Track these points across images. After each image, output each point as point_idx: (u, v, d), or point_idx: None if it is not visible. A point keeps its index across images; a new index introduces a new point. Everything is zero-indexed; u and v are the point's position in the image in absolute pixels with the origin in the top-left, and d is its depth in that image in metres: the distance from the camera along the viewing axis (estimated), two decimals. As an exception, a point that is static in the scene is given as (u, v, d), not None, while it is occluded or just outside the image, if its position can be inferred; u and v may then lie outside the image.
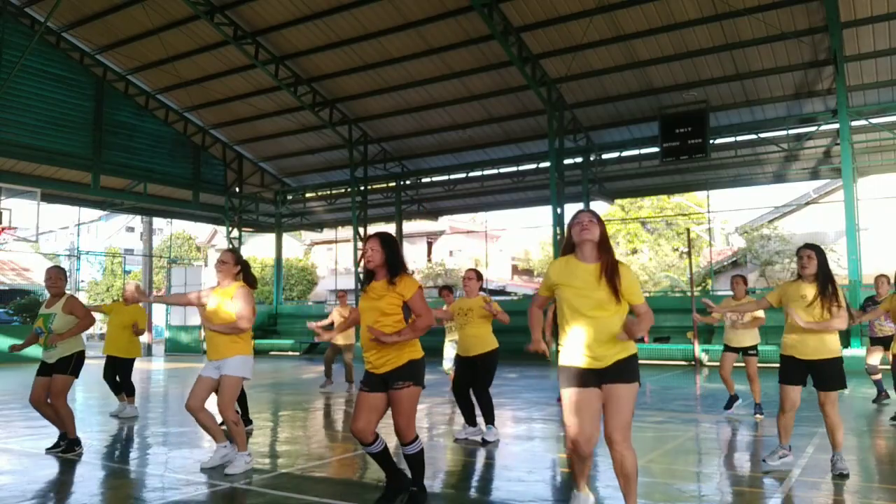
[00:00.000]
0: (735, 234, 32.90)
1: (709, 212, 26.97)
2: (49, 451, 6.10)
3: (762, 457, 5.42)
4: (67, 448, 6.06)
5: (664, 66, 16.66)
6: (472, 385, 6.64)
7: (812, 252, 5.09)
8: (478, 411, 6.69)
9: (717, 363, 8.27)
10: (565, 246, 3.75)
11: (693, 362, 16.36)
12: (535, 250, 43.21)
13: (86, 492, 4.89)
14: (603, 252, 3.62)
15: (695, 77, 16.77)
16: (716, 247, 32.05)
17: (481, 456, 6.18)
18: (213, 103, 21.50)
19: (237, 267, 5.49)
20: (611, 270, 3.57)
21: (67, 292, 6.38)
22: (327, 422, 8.40)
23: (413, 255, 39.64)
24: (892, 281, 7.77)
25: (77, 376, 6.18)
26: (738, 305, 7.44)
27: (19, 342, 6.44)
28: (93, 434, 7.20)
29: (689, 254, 20.60)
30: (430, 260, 41.31)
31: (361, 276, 22.33)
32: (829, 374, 5.00)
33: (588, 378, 3.60)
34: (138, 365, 9.82)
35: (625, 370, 3.60)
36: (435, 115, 20.19)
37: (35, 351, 6.34)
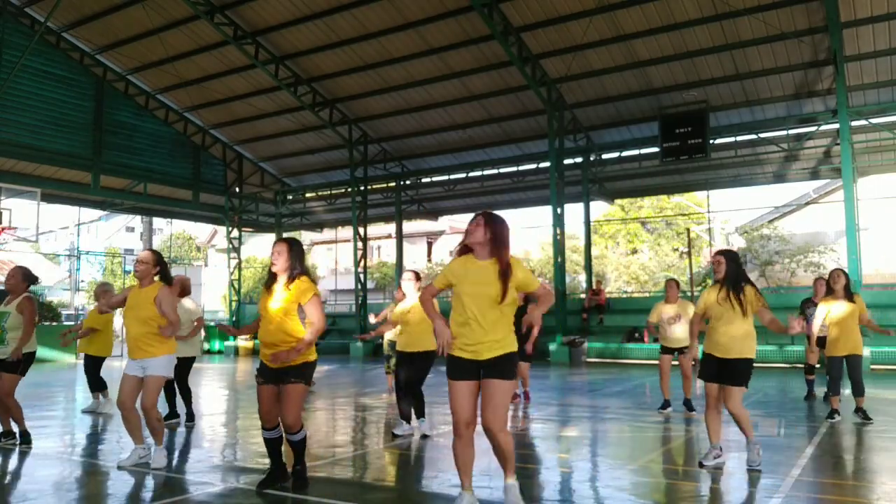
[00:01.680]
0: (735, 234, 32.90)
1: (709, 212, 26.98)
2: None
3: (698, 458, 5.46)
4: (23, 440, 6.24)
5: (664, 66, 16.66)
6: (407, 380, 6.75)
7: (722, 257, 5.39)
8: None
9: (675, 362, 8.43)
10: (461, 248, 4.08)
11: (693, 362, 16.33)
12: (535, 250, 43.19)
13: (85, 492, 4.88)
14: (494, 249, 3.94)
15: (695, 77, 16.77)
16: (716, 247, 32.03)
17: (480, 456, 6.17)
18: (213, 103, 21.49)
19: (157, 268, 5.50)
20: (504, 267, 3.90)
21: (27, 294, 6.37)
22: (327, 422, 8.39)
23: (413, 255, 39.63)
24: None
25: (24, 375, 6.30)
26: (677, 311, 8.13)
27: None
28: (92, 434, 7.20)
29: (689, 254, 20.61)
30: (430, 260, 41.30)
31: (361, 276, 22.37)
32: (734, 373, 5.18)
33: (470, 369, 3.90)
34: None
35: (502, 367, 3.87)
36: (435, 115, 20.19)
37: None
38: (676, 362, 8.38)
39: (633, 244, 37.11)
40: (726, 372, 5.22)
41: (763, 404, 9.21)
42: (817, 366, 9.66)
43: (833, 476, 5.25)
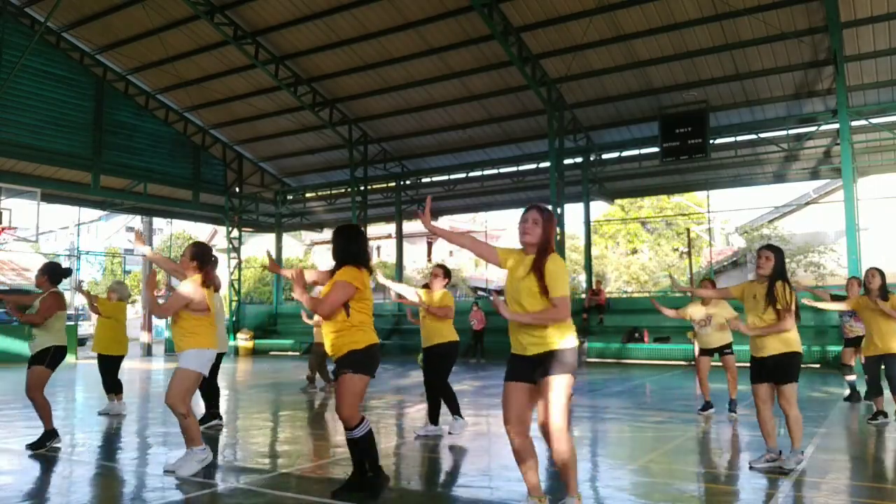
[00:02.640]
0: (735, 234, 32.92)
1: (709, 212, 26.97)
2: (29, 446, 6.17)
3: (749, 461, 5.42)
4: (40, 441, 6.11)
5: (664, 66, 16.66)
6: (428, 378, 6.75)
7: (770, 253, 5.25)
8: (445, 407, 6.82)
9: (719, 363, 8.31)
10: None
11: (693, 362, 16.33)
12: (534, 250, 43.15)
13: (85, 492, 4.89)
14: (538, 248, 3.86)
15: (695, 77, 16.77)
16: (716, 247, 32.07)
17: (481, 456, 6.18)
18: (213, 103, 21.49)
19: (193, 261, 5.39)
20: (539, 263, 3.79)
21: (52, 290, 6.42)
22: (327, 422, 8.39)
23: (413, 255, 39.64)
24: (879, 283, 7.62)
25: (53, 369, 6.30)
26: (705, 301, 7.95)
27: (20, 342, 6.53)
28: (93, 434, 7.20)
29: (689, 254, 20.63)
30: (429, 260, 41.31)
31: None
32: (779, 370, 5.11)
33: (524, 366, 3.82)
34: (138, 365, 9.81)
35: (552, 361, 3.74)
36: (435, 115, 20.19)
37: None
38: (719, 363, 8.20)
39: (633, 244, 37.11)
40: (769, 370, 5.14)
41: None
42: (851, 364, 9.37)
43: (833, 476, 5.25)
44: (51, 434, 6.18)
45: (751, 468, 5.22)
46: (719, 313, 7.91)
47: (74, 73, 20.23)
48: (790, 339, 5.15)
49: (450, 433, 6.68)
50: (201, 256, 5.43)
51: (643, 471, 5.44)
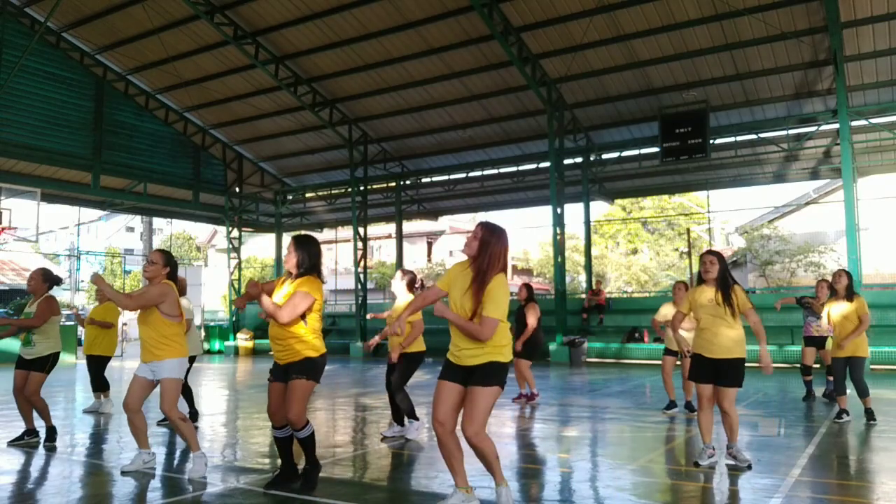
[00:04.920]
0: (735, 234, 32.92)
1: (709, 212, 26.97)
2: (11, 443, 6.45)
3: (693, 458, 5.50)
4: (48, 437, 6.44)
5: (664, 66, 16.66)
6: (388, 379, 6.71)
7: (714, 257, 5.40)
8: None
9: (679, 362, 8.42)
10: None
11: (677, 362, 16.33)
12: (534, 250, 43.21)
13: (85, 492, 4.88)
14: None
15: (695, 77, 16.77)
16: (716, 247, 32.06)
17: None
18: (213, 103, 21.49)
19: (166, 268, 5.36)
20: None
21: (48, 294, 6.59)
22: (327, 422, 8.39)
23: (413, 255, 39.64)
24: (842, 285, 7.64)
25: (48, 374, 6.56)
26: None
27: (20, 343, 6.64)
28: (92, 434, 7.20)
29: (689, 254, 20.61)
30: (430, 260, 41.32)
31: (361, 276, 22.37)
32: (729, 373, 5.23)
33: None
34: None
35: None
36: (435, 115, 20.19)
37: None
38: (680, 363, 8.36)
39: (634, 244, 37.12)
40: (721, 372, 5.26)
41: (763, 404, 9.21)
42: (815, 366, 9.65)
43: (833, 476, 5.25)
44: (52, 430, 6.49)
45: (696, 465, 5.32)
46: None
47: (74, 73, 20.23)
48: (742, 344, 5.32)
49: (405, 438, 6.58)
50: (174, 263, 5.44)
51: (643, 471, 5.44)
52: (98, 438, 7.04)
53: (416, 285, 6.93)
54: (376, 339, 7.16)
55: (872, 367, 14.00)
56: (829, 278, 8.27)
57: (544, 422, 8.02)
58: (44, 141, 19.65)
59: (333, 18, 17.03)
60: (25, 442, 6.46)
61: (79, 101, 20.45)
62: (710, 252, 5.52)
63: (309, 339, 4.59)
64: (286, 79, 19.17)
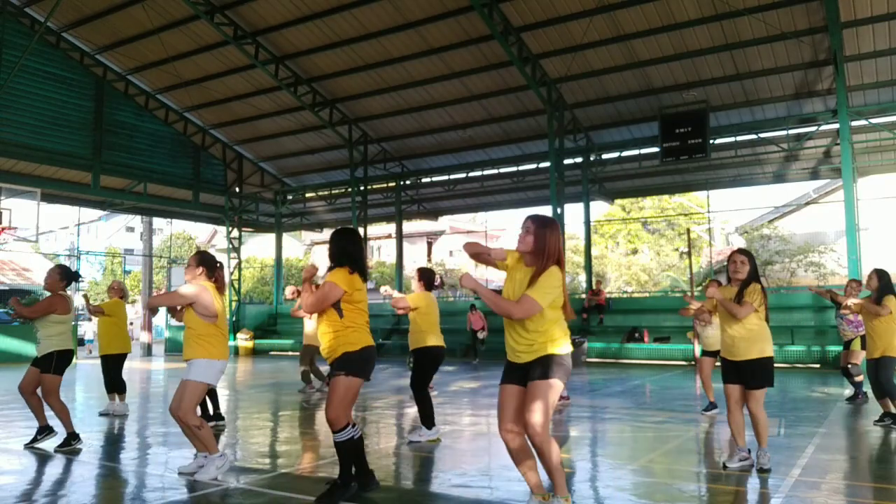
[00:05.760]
0: (735, 234, 32.91)
1: (709, 212, 26.96)
2: (28, 445, 6.34)
3: (722, 461, 5.43)
4: (65, 442, 6.25)
5: (664, 66, 16.66)
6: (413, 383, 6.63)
7: (744, 257, 5.25)
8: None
9: (718, 363, 8.30)
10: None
11: (693, 362, 16.35)
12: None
13: (86, 492, 4.88)
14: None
15: (695, 77, 16.77)
16: (716, 247, 32.05)
17: (481, 456, 6.18)
18: (213, 103, 21.49)
19: (199, 268, 5.31)
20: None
21: (61, 293, 6.50)
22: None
23: (413, 255, 39.64)
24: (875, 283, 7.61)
25: (61, 374, 6.36)
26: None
27: (20, 342, 6.64)
28: (93, 434, 7.20)
29: (689, 254, 20.63)
30: (430, 260, 41.33)
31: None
32: (754, 374, 5.13)
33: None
34: (139, 365, 9.82)
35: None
36: (435, 115, 20.19)
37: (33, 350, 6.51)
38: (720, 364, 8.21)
39: (634, 244, 37.11)
40: (745, 374, 5.15)
41: (763, 404, 9.19)
42: (856, 363, 9.28)
43: (833, 476, 5.24)
44: (72, 436, 6.31)
45: (724, 468, 5.25)
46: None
47: (74, 73, 20.22)
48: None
49: (411, 441, 6.48)
50: (207, 263, 5.36)
51: (643, 471, 5.44)
52: (97, 438, 7.03)
53: (436, 283, 6.90)
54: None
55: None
56: (860, 277, 8.17)
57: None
58: (44, 141, 19.65)
59: (333, 18, 17.03)
60: (41, 440, 6.33)
61: (79, 101, 20.44)
62: (740, 251, 5.31)
63: (345, 332, 4.42)
64: (286, 79, 19.17)
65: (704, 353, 8.29)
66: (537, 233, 3.80)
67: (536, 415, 3.64)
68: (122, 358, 8.67)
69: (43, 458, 5.93)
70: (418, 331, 6.57)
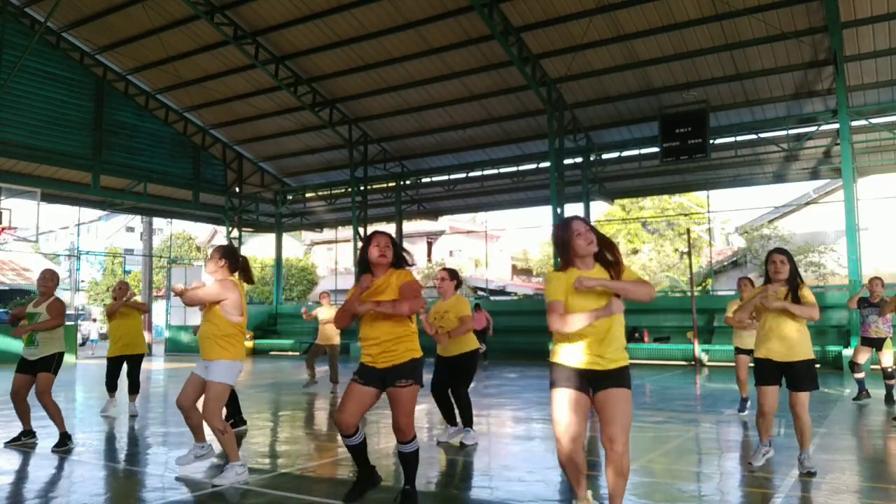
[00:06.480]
0: (735, 234, 32.90)
1: (709, 212, 26.95)
2: (8, 444, 6.42)
3: (748, 458, 5.43)
4: (60, 442, 6.29)
5: (664, 66, 16.65)
6: (450, 385, 6.54)
7: (784, 257, 5.16)
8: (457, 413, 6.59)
9: (717, 363, 8.31)
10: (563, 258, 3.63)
11: (693, 362, 16.35)
12: (534, 250, 43.25)
13: (86, 492, 4.88)
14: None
15: (695, 77, 16.77)
16: (716, 247, 32.04)
17: (481, 456, 6.18)
18: (213, 103, 21.49)
19: (222, 261, 5.21)
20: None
21: (56, 295, 6.62)
22: (327, 422, 8.39)
23: (413, 254, 39.62)
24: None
25: (56, 374, 6.46)
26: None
27: (17, 342, 6.66)
28: (93, 434, 7.20)
29: (689, 254, 20.60)
30: (430, 260, 41.31)
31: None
32: (801, 376, 5.07)
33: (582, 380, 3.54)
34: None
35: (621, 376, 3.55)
36: (435, 115, 20.19)
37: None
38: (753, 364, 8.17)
39: (634, 244, 37.11)
40: (791, 376, 5.08)
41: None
42: (861, 362, 9.34)
43: (834, 476, 5.24)
44: (65, 436, 6.36)
45: (749, 466, 5.22)
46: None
47: (74, 73, 20.23)
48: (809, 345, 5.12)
49: (462, 444, 6.41)
50: (230, 255, 5.24)
51: (643, 471, 5.44)
52: (97, 438, 7.03)
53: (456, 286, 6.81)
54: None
55: (872, 367, 13.99)
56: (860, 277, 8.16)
57: (545, 422, 8.02)
58: (44, 141, 19.65)
59: (333, 18, 17.03)
60: (23, 443, 6.43)
61: (79, 101, 20.45)
62: (778, 251, 5.22)
63: (412, 338, 4.25)
64: (286, 79, 19.17)
65: (739, 350, 8.10)
66: (591, 230, 3.58)
67: (626, 429, 3.48)
68: (141, 358, 8.78)
69: (42, 459, 5.93)
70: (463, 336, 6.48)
